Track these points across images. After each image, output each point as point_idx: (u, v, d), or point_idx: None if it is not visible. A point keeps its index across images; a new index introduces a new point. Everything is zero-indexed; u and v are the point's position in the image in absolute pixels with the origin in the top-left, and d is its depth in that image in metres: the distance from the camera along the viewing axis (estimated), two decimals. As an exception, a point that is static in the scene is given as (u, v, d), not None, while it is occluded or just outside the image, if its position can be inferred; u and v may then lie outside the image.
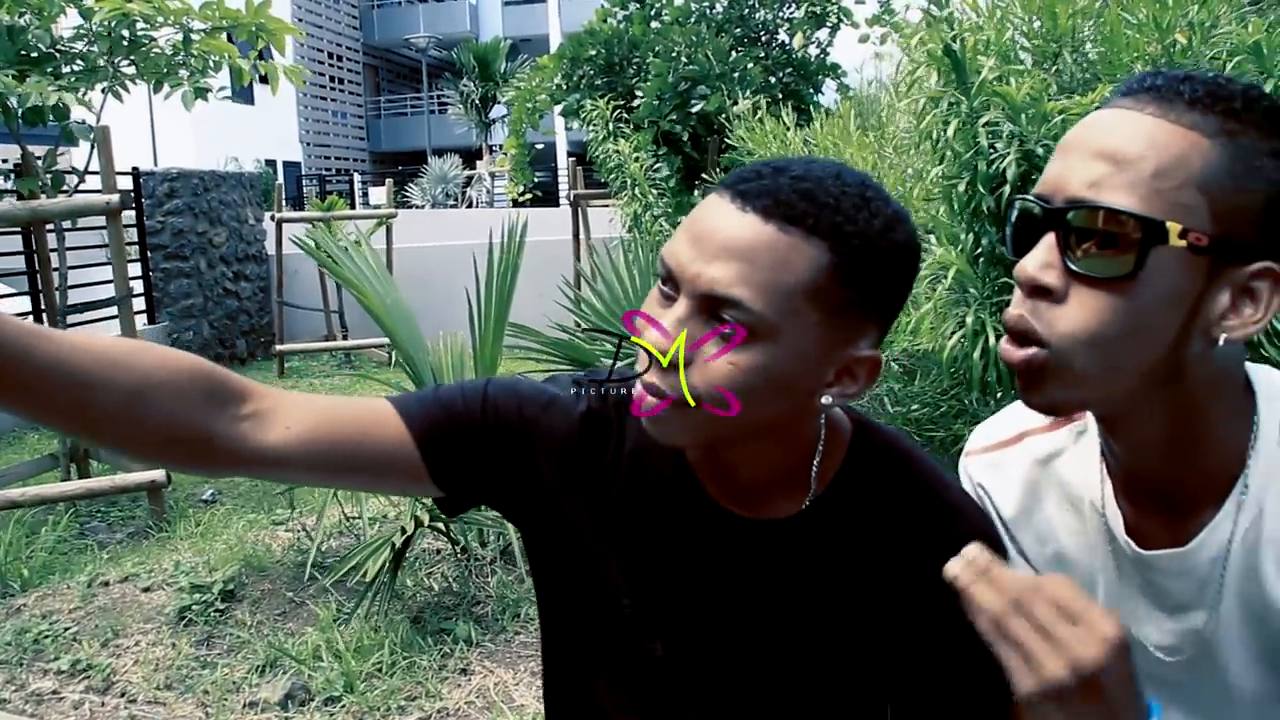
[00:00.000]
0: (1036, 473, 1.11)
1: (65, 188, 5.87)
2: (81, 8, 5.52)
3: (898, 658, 1.08)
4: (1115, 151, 0.86)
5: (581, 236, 9.97)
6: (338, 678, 2.49)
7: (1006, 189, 3.45)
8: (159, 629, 2.91)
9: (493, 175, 24.81)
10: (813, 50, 9.02)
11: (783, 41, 9.08)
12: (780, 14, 8.94)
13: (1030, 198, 0.90)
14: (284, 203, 10.66)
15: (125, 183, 9.81)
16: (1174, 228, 0.83)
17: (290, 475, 1.09)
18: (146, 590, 3.23)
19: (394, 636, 2.69)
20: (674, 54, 8.23)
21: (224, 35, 5.86)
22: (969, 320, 3.72)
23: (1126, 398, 0.92)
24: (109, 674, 2.64)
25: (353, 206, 22.68)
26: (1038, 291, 0.89)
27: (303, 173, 28.58)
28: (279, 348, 10.08)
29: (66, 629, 2.94)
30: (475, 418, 1.12)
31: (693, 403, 0.94)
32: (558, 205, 16.90)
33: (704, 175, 7.17)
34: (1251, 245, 0.85)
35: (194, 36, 5.75)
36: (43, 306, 7.14)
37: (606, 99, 7.81)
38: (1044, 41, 4.24)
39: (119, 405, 0.95)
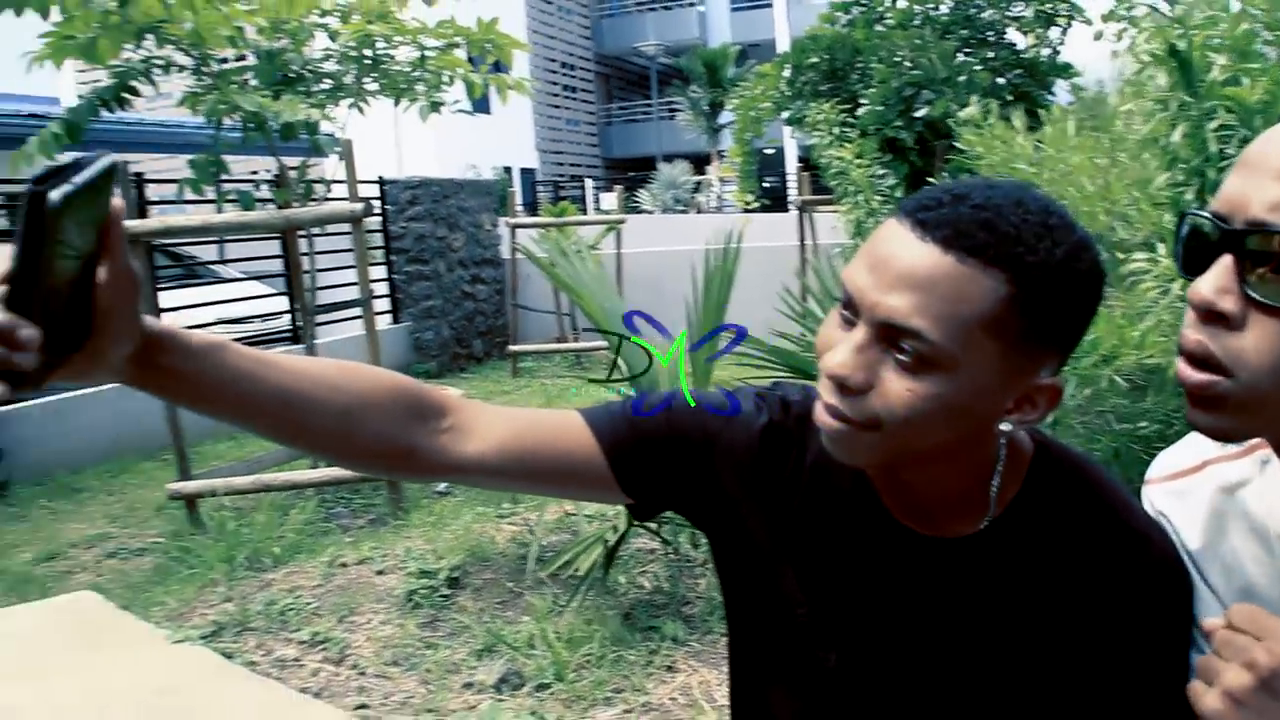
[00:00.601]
0: (1221, 502, 1.07)
1: (315, 197, 6.32)
2: (329, 31, 5.94)
3: (1071, 679, 1.09)
4: None
5: (807, 242, 9.98)
6: (549, 666, 2.62)
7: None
8: (389, 609, 3.13)
9: (722, 180, 24.98)
10: (1043, 50, 8.72)
11: (1011, 42, 8.81)
12: (1008, 13, 8.66)
13: (1205, 214, 0.85)
14: (518, 208, 11.07)
15: (371, 191, 10.42)
16: None
17: (486, 482, 1.20)
18: (380, 573, 3.47)
19: (604, 631, 2.80)
20: (898, 59, 8.13)
21: (457, 51, 6.19)
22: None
23: None
24: (343, 647, 2.86)
25: (584, 212, 23.27)
26: (1213, 317, 0.84)
27: (538, 179, 29.52)
28: (512, 348, 10.48)
29: (308, 604, 3.19)
30: (659, 430, 1.18)
31: (871, 427, 0.98)
32: (787, 210, 16.90)
33: (929, 181, 7.05)
34: None
35: (429, 54, 6.09)
36: (297, 307, 7.68)
37: (830, 104, 7.77)
38: (1291, 29, 4.00)
39: (334, 423, 1.08)
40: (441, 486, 5.61)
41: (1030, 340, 0.95)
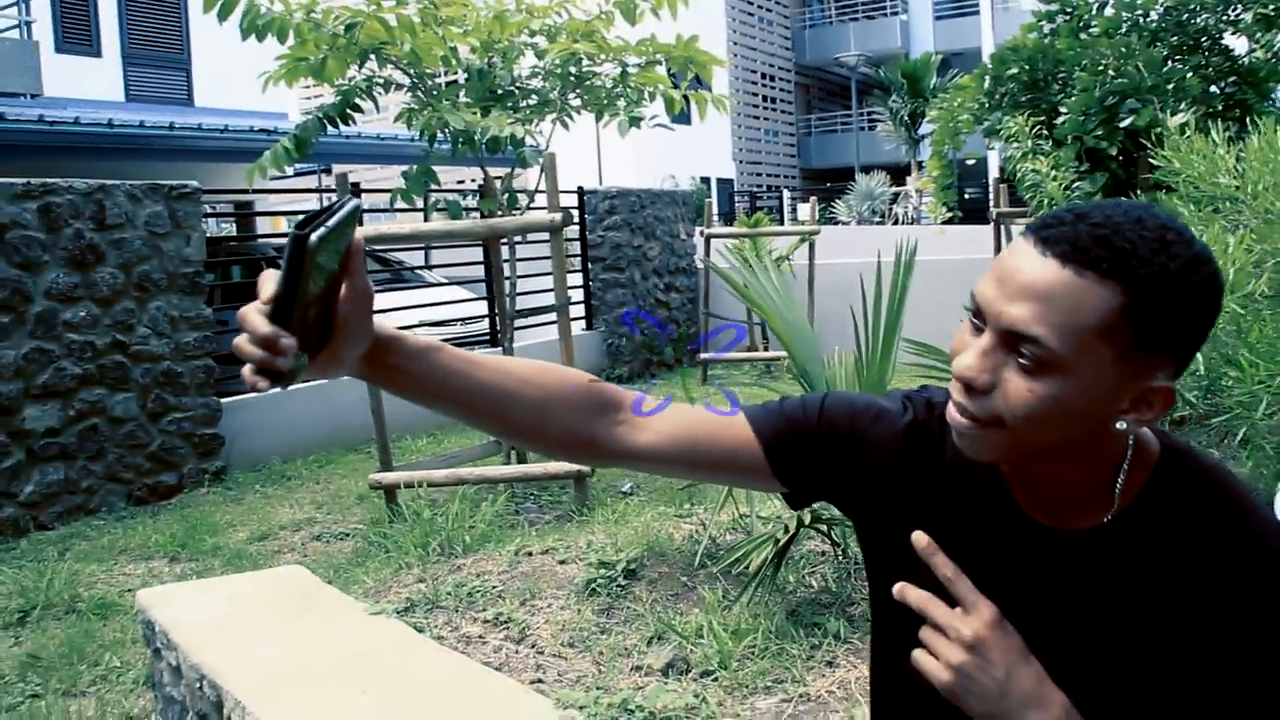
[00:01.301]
0: None
1: (518, 206, 6.62)
2: (537, 50, 6.23)
3: (1185, 670, 1.14)
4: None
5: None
6: (714, 655, 2.74)
7: None
8: (568, 596, 3.30)
9: (919, 192, 24.62)
10: (1262, 55, 8.30)
11: (1227, 47, 8.43)
12: (1224, 17, 8.29)
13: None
14: (714, 218, 11.24)
15: (570, 200, 10.77)
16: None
17: (658, 468, 1.39)
18: (562, 563, 3.65)
19: (769, 624, 2.90)
20: (1101, 67, 7.90)
21: (658, 68, 6.39)
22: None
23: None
24: (524, 628, 3.05)
25: (781, 222, 23.31)
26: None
27: (735, 189, 29.68)
28: (703, 356, 10.65)
29: (494, 587, 3.40)
30: (811, 427, 1.32)
31: (995, 424, 1.08)
32: (987, 222, 16.58)
33: (1132, 192, 6.87)
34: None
35: (630, 70, 6.31)
36: (496, 311, 8.02)
37: (1027, 116, 7.63)
38: None
39: (530, 414, 1.29)
40: (627, 487, 5.80)
41: (1144, 348, 1.03)
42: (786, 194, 29.03)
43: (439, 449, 7.39)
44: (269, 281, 1.04)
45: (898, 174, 29.56)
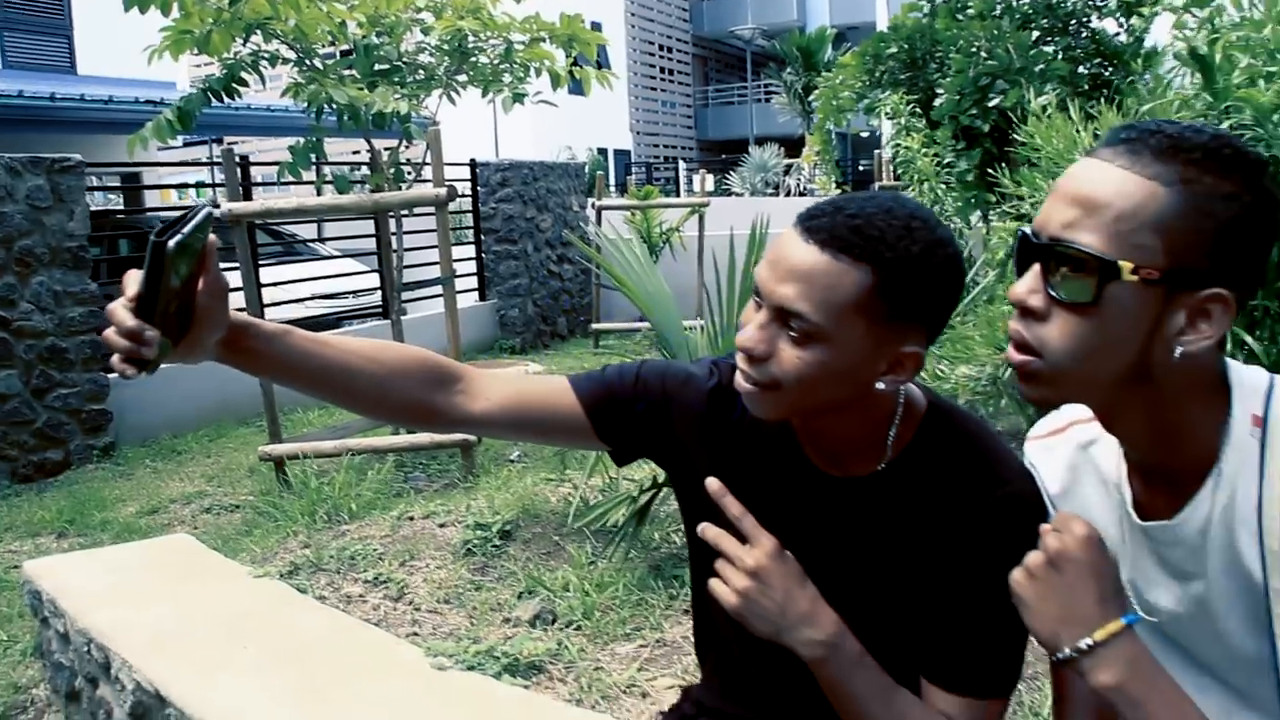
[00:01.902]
0: (1078, 456, 1.32)
1: (406, 180, 6.72)
2: (423, 26, 6.32)
3: (938, 590, 1.36)
4: (1085, 198, 1.04)
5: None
6: (579, 606, 2.94)
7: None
8: (445, 556, 3.47)
9: (812, 164, 25.05)
10: (1126, 38, 8.70)
11: (1094, 30, 8.80)
12: (1091, 2, 8.66)
13: (1025, 230, 1.10)
14: (610, 191, 11.41)
15: (463, 173, 10.84)
16: (1126, 265, 1.01)
17: (493, 432, 1.58)
18: (442, 526, 3.82)
19: (631, 578, 3.11)
20: (975, 49, 8.22)
21: (544, 44, 6.53)
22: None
23: (1106, 397, 1.12)
24: (402, 587, 3.21)
25: (677, 193, 23.54)
26: (1026, 311, 1.10)
27: (632, 160, 29.85)
28: (595, 326, 10.83)
29: (375, 550, 3.55)
30: (628, 392, 1.52)
31: (773, 388, 1.28)
32: (873, 194, 16.94)
33: (1002, 167, 7.19)
34: (1204, 273, 1.01)
35: (516, 47, 6.44)
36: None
37: (903, 94, 7.93)
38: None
39: (373, 388, 1.46)
40: (514, 455, 5.96)
41: (895, 319, 1.24)
42: (683, 165, 29.29)
43: (329, 421, 7.47)
44: (132, 281, 1.20)
45: (792, 146, 29.99)
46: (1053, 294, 1.06)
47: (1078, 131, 5.56)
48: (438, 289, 9.36)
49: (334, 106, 6.05)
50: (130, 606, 2.93)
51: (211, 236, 1.25)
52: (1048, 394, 1.13)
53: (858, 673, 1.32)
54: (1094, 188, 1.04)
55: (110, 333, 1.19)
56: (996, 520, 1.30)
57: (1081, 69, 8.62)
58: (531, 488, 4.29)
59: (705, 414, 1.50)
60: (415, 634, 2.85)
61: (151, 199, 13.23)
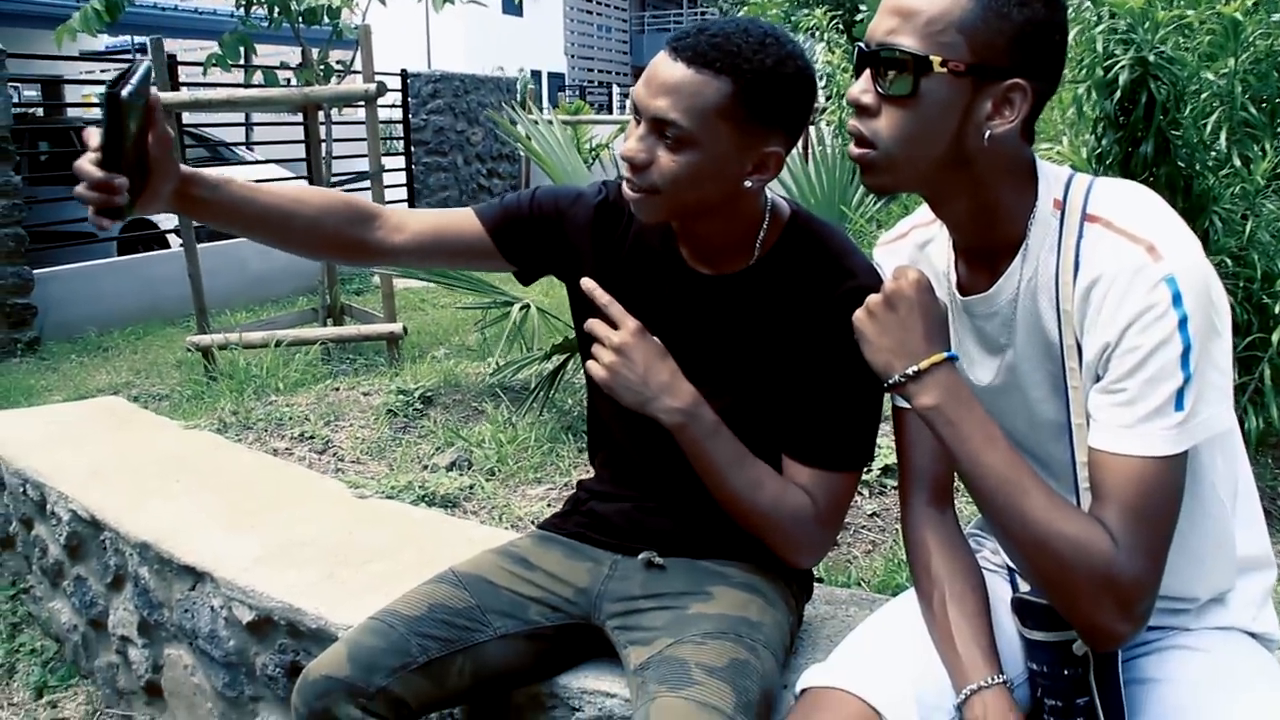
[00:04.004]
0: (916, 255, 1.52)
1: (334, 80, 6.75)
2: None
3: (799, 372, 1.58)
4: (903, 8, 1.22)
5: (813, 149, 10.28)
6: (494, 455, 3.14)
7: (1119, 94, 3.69)
8: (368, 417, 3.65)
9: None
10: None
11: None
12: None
13: (859, 43, 1.27)
14: (544, 108, 11.44)
15: (394, 83, 10.82)
16: (936, 60, 1.19)
17: (413, 261, 1.79)
18: (366, 394, 3.98)
19: (543, 432, 3.32)
20: (900, -33, 8.38)
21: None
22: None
23: (933, 180, 1.29)
24: (327, 442, 3.38)
25: (610, 114, 23.51)
26: (861, 109, 1.27)
27: (565, 83, 29.69)
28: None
29: (302, 413, 3.71)
30: (525, 212, 1.74)
31: (654, 192, 1.48)
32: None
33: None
34: (1004, 68, 1.20)
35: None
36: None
37: (823, 11, 8.09)
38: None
39: (307, 226, 1.66)
40: (441, 353, 6.12)
41: (754, 122, 1.45)
42: (616, 89, 29.19)
43: (258, 320, 7.54)
44: (93, 135, 1.34)
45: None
46: (880, 91, 1.24)
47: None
48: (367, 188, 9.41)
49: (264, 2, 6.07)
50: (67, 450, 3.08)
51: (154, 90, 1.39)
52: (884, 180, 1.30)
53: (715, 440, 1.53)
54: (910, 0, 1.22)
55: (81, 188, 1.33)
56: (846, 310, 1.50)
57: None
58: (454, 367, 4.47)
59: (594, 225, 1.70)
60: (339, 476, 3.03)
61: (72, 98, 13.00)
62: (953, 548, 1.46)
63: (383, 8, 6.71)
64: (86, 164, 1.33)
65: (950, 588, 1.41)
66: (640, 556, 1.70)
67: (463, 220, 1.73)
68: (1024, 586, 1.44)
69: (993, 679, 1.32)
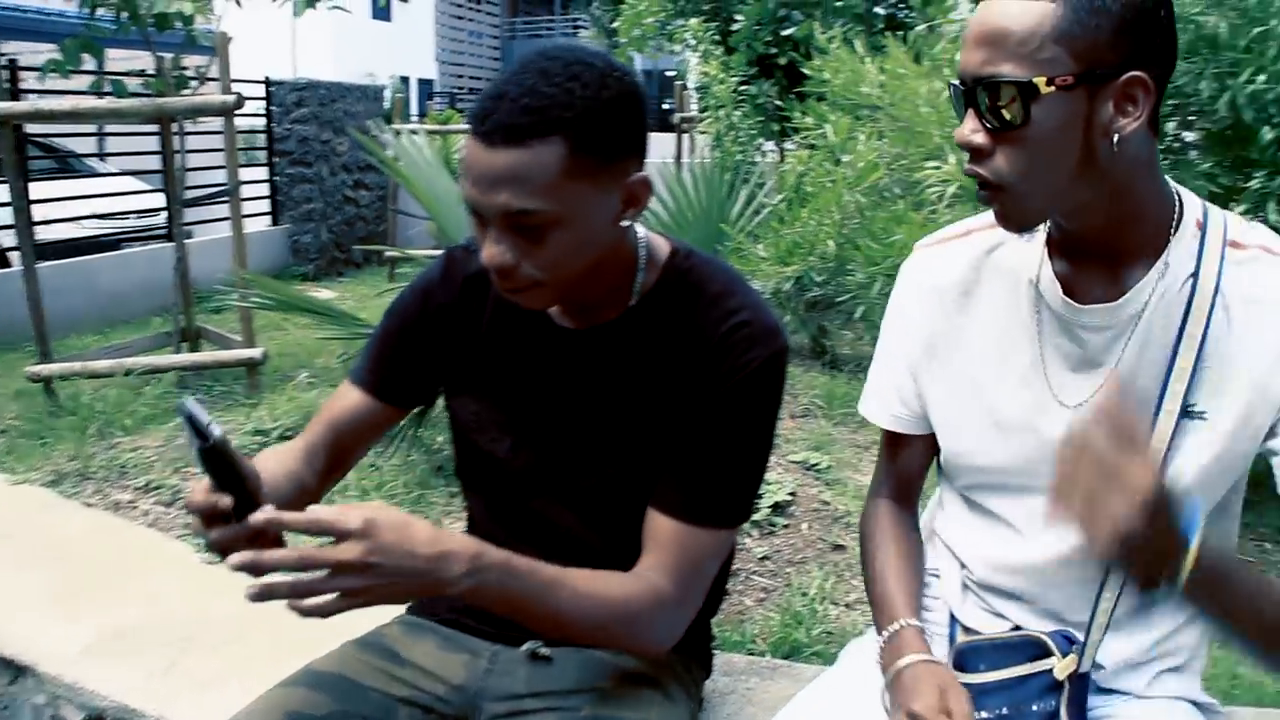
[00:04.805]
0: (981, 259, 1.39)
1: (190, 90, 6.39)
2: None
3: (682, 421, 1.39)
4: (991, 35, 1.13)
5: (684, 160, 10.24)
6: (357, 503, 2.92)
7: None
8: (224, 462, 3.38)
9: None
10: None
11: (891, -30, 9.07)
12: (889, -57, 8.91)
13: (953, 83, 1.20)
14: (414, 118, 11.12)
15: (256, 91, 10.39)
16: (1040, 81, 1.10)
17: (338, 478, 1.56)
18: (221, 435, 3.71)
19: (412, 477, 3.11)
20: (775, -21, 8.35)
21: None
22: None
23: (1069, 199, 1.20)
24: (176, 492, 3.10)
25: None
26: (975, 152, 1.18)
27: (436, 90, 29.24)
28: (391, 253, 10.59)
29: (148, 459, 3.42)
30: (392, 340, 1.52)
31: (540, 285, 1.29)
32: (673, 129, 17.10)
33: (779, 103, 7.37)
34: (1115, 65, 1.11)
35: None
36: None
37: (704, 20, 8.02)
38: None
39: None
40: (302, 376, 5.81)
41: (604, 163, 1.25)
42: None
43: (106, 344, 7.10)
44: (217, 498, 1.13)
45: (599, 81, 29.78)
46: (989, 128, 1.15)
47: (863, 61, 5.75)
48: (224, 208, 9.01)
49: (111, 4, 5.69)
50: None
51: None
52: (1023, 219, 1.21)
53: (513, 580, 1.24)
54: (995, 23, 1.13)
55: (245, 557, 1.10)
56: (731, 350, 1.35)
57: (878, 8, 8.88)
58: (317, 399, 4.20)
59: (458, 301, 1.50)
60: (186, 535, 2.76)
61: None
62: (905, 529, 1.51)
63: (244, 14, 6.37)
64: (234, 536, 1.14)
65: (893, 549, 1.47)
66: (524, 647, 1.50)
67: (344, 398, 1.52)
68: (960, 638, 1.41)
69: (910, 621, 1.37)
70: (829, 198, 4.78)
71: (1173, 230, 1.24)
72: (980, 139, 1.17)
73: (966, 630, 1.43)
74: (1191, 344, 1.21)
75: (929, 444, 1.49)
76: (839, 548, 2.99)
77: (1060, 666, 1.29)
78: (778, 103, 7.40)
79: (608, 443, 1.43)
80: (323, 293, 9.01)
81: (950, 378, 1.40)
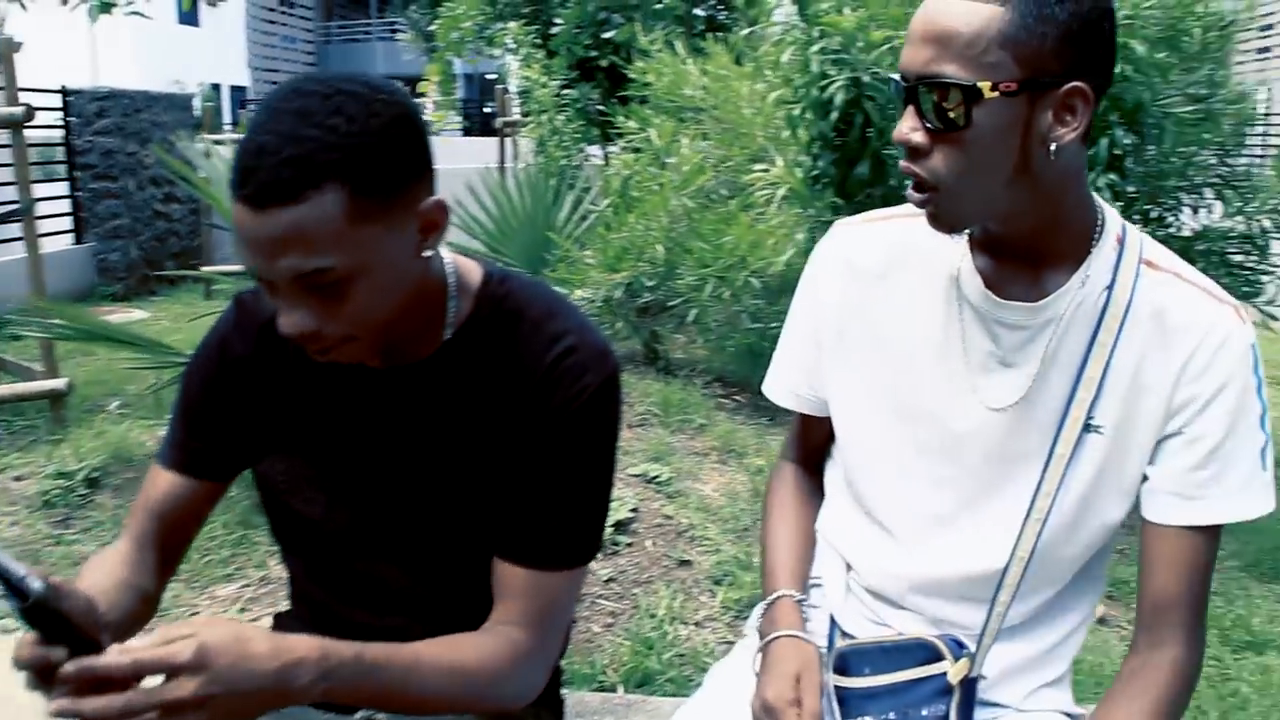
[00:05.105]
0: (903, 244, 1.35)
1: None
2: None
3: (513, 459, 1.28)
4: (937, 34, 1.11)
5: (508, 165, 10.10)
6: (173, 551, 2.72)
7: (835, 115, 3.67)
8: (19, 510, 3.12)
9: (434, 103, 24.67)
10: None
11: (709, -29, 9.15)
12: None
13: (893, 77, 1.18)
14: (226, 126, 10.65)
15: (53, 101, 9.81)
16: (985, 85, 1.09)
17: (173, 570, 1.42)
18: (18, 479, 3.43)
19: (233, 515, 2.92)
20: (595, -19, 8.32)
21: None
22: (801, 238, 3.95)
23: (1002, 205, 1.19)
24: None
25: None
26: (912, 150, 1.16)
27: (249, 97, 28.29)
28: (205, 270, 10.13)
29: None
30: (196, 404, 1.36)
31: (351, 339, 1.16)
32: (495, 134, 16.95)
33: (603, 106, 7.34)
34: (1058, 75, 1.11)
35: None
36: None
37: (519, 25, 7.91)
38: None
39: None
40: (113, 405, 5.48)
41: (390, 199, 1.12)
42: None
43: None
44: (46, 653, 0.99)
45: (416, 84, 29.39)
46: (930, 128, 1.14)
47: (685, 63, 5.75)
48: (18, 228, 8.47)
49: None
50: None
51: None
52: (953, 220, 1.21)
53: (367, 675, 1.13)
54: (942, 22, 1.12)
55: (63, 703, 0.97)
56: (561, 380, 1.26)
57: (698, 10, 8.94)
58: (126, 433, 3.94)
59: (253, 356, 1.36)
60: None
61: None
62: (807, 493, 1.53)
63: (36, 19, 5.97)
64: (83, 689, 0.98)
65: (790, 517, 1.51)
66: (357, 717, 1.38)
67: (161, 485, 1.36)
68: (840, 644, 1.41)
69: (788, 592, 1.41)
70: (656, 202, 4.74)
71: (1094, 242, 1.24)
72: (919, 138, 1.16)
73: (845, 635, 1.42)
74: (1102, 353, 1.22)
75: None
76: (685, 563, 2.93)
77: (954, 670, 1.29)
78: (601, 106, 7.38)
79: (433, 492, 1.32)
80: (135, 313, 8.56)
81: (858, 360, 1.38)
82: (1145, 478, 1.25)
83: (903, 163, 1.19)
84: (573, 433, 1.26)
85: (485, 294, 1.32)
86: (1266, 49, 15.26)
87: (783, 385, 1.49)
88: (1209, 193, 4.74)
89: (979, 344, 1.28)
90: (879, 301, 1.36)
